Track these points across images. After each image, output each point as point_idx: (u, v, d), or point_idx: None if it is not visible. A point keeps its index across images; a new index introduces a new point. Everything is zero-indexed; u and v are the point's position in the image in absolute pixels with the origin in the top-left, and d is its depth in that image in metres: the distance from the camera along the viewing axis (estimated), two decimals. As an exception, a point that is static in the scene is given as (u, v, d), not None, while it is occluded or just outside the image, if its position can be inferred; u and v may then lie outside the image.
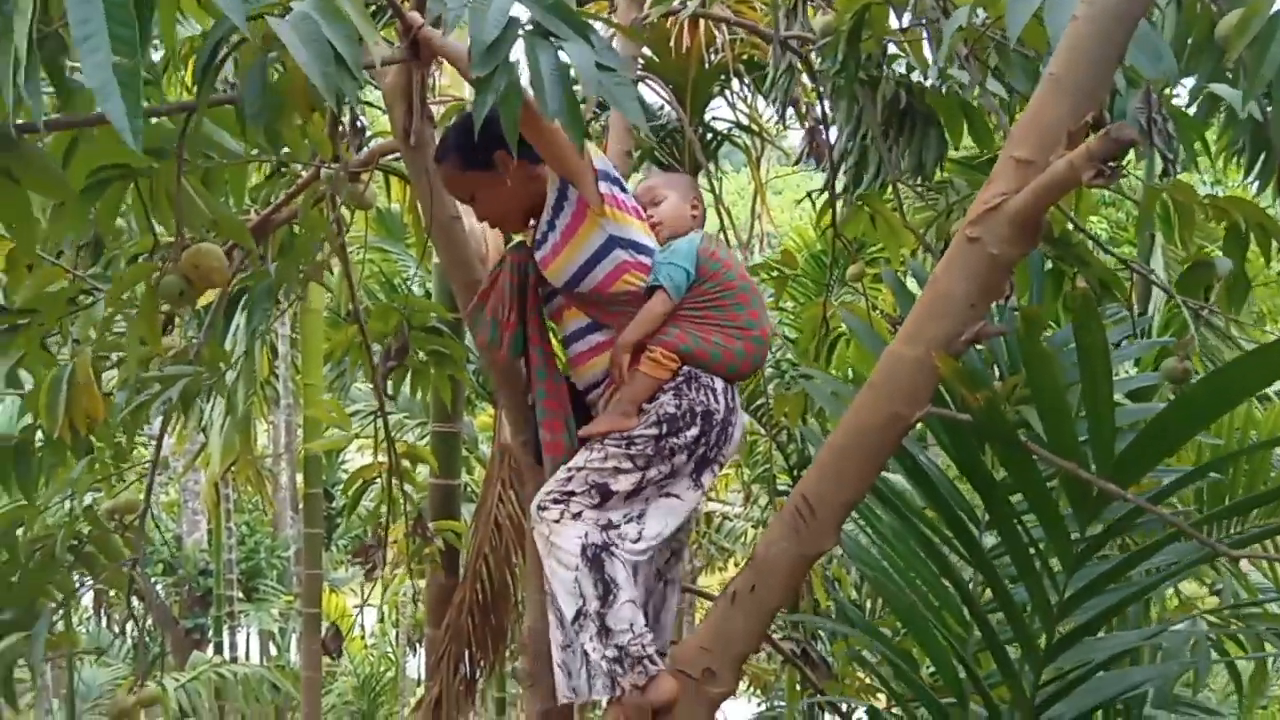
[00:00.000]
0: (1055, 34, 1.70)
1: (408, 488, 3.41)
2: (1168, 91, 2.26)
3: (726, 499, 9.94)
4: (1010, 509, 2.03)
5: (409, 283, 7.87)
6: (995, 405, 1.78)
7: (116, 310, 2.21)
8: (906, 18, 2.63)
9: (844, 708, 4.10)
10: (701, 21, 4.04)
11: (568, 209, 2.07)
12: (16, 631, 2.64)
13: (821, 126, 4.15)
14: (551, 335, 2.27)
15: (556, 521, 2.03)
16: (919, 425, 1.85)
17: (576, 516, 2.02)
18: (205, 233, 2.01)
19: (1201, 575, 3.62)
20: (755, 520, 8.47)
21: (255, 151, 2.20)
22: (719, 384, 2.09)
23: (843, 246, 3.68)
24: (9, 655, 2.62)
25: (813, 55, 3.10)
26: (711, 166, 4.46)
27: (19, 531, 2.75)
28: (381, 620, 14.18)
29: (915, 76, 2.91)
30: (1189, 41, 2.12)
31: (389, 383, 3.14)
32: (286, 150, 2.19)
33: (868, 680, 4.43)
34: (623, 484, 2.03)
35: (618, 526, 2.03)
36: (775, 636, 3.94)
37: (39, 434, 2.59)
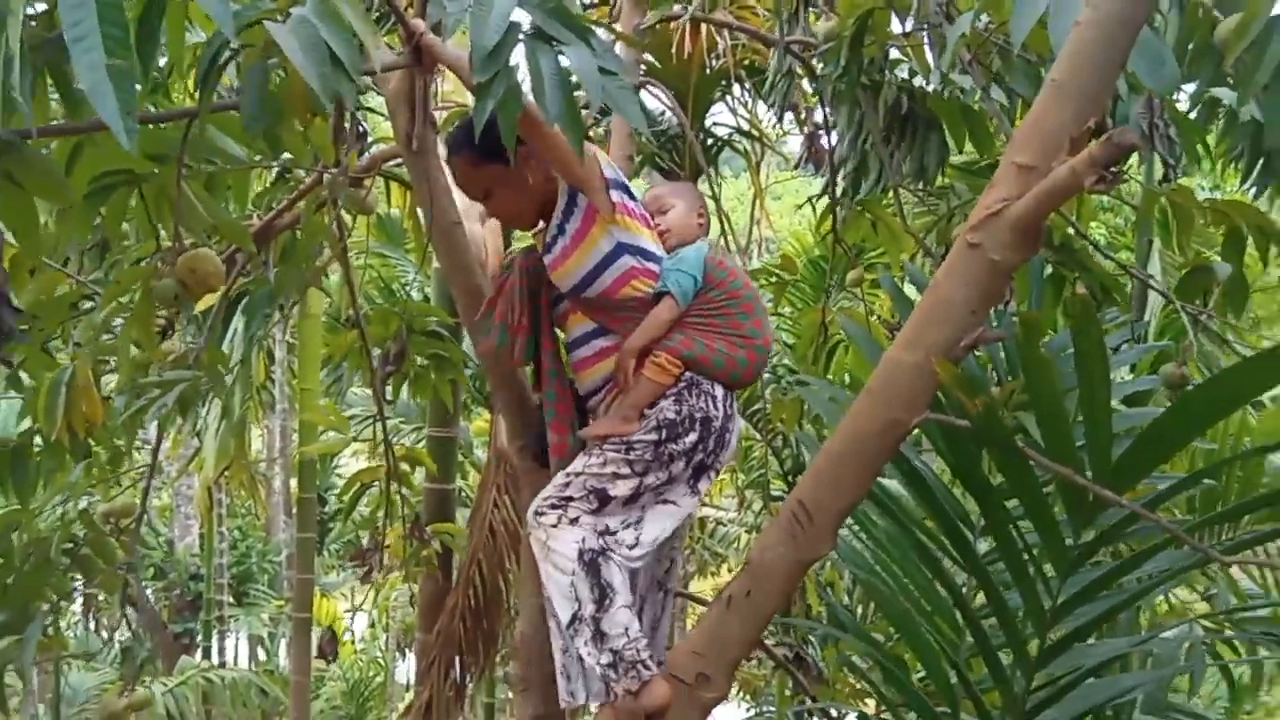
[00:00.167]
0: (1059, 39, 1.70)
1: (404, 491, 3.41)
2: (1171, 96, 2.27)
3: (720, 504, 9.94)
4: (1006, 514, 2.04)
5: (408, 288, 7.86)
6: (993, 411, 1.79)
7: (113, 313, 2.21)
8: (909, 22, 2.64)
9: (834, 713, 4.10)
10: (703, 27, 4.05)
11: (577, 214, 2.08)
12: (9, 635, 2.63)
13: (820, 132, 4.16)
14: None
15: (554, 526, 2.03)
16: (914, 430, 1.86)
17: (574, 522, 2.02)
18: (206, 238, 2.01)
19: (1192, 581, 3.64)
20: (749, 525, 8.46)
21: (258, 157, 2.20)
22: (719, 391, 2.10)
23: (842, 252, 3.69)
24: (2, 659, 2.62)
25: (814, 60, 3.11)
26: (711, 171, 4.47)
27: (14, 535, 2.75)
28: (372, 625, 14.15)
29: (917, 81, 2.92)
30: (1190, 46, 2.13)
31: (388, 387, 3.14)
32: (289, 156, 2.19)
33: (858, 685, 4.44)
34: (621, 489, 2.03)
35: (615, 532, 2.04)
36: (768, 642, 3.94)
37: (37, 438, 2.59)
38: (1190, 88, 2.29)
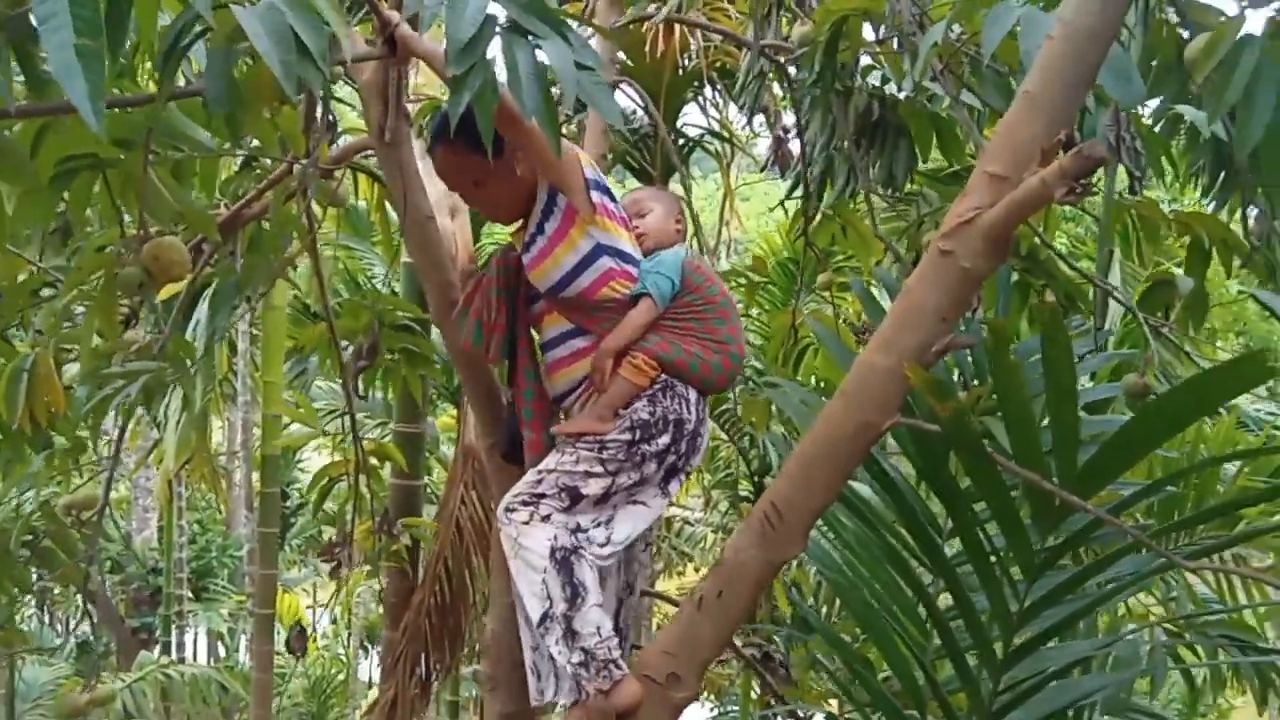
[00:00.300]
0: (1029, 53, 1.73)
1: (372, 486, 3.38)
2: (1136, 110, 2.30)
3: (687, 504, 9.96)
4: (973, 518, 2.06)
5: (373, 280, 7.79)
6: (962, 415, 1.81)
7: (74, 300, 2.17)
8: (882, 29, 2.66)
9: (801, 714, 4.13)
10: (676, 27, 4.05)
11: (557, 214, 2.08)
12: (-36, 629, 2.58)
13: (788, 134, 4.18)
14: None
15: (525, 523, 2.02)
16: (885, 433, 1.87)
17: (545, 519, 2.01)
18: (172, 226, 1.98)
19: (1152, 586, 3.70)
20: (715, 525, 8.49)
21: (227, 145, 2.17)
22: (692, 395, 2.11)
23: (812, 255, 3.71)
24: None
25: (786, 64, 3.12)
26: (684, 171, 4.47)
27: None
28: (335, 622, 14.03)
29: (889, 89, 2.94)
30: (1154, 63, 2.16)
31: (359, 382, 3.11)
32: (257, 144, 2.16)
33: (826, 686, 4.47)
34: (593, 488, 2.03)
35: (586, 530, 2.03)
36: (735, 641, 3.95)
37: (-4, 429, 2.53)
38: (1153, 103, 2.33)
